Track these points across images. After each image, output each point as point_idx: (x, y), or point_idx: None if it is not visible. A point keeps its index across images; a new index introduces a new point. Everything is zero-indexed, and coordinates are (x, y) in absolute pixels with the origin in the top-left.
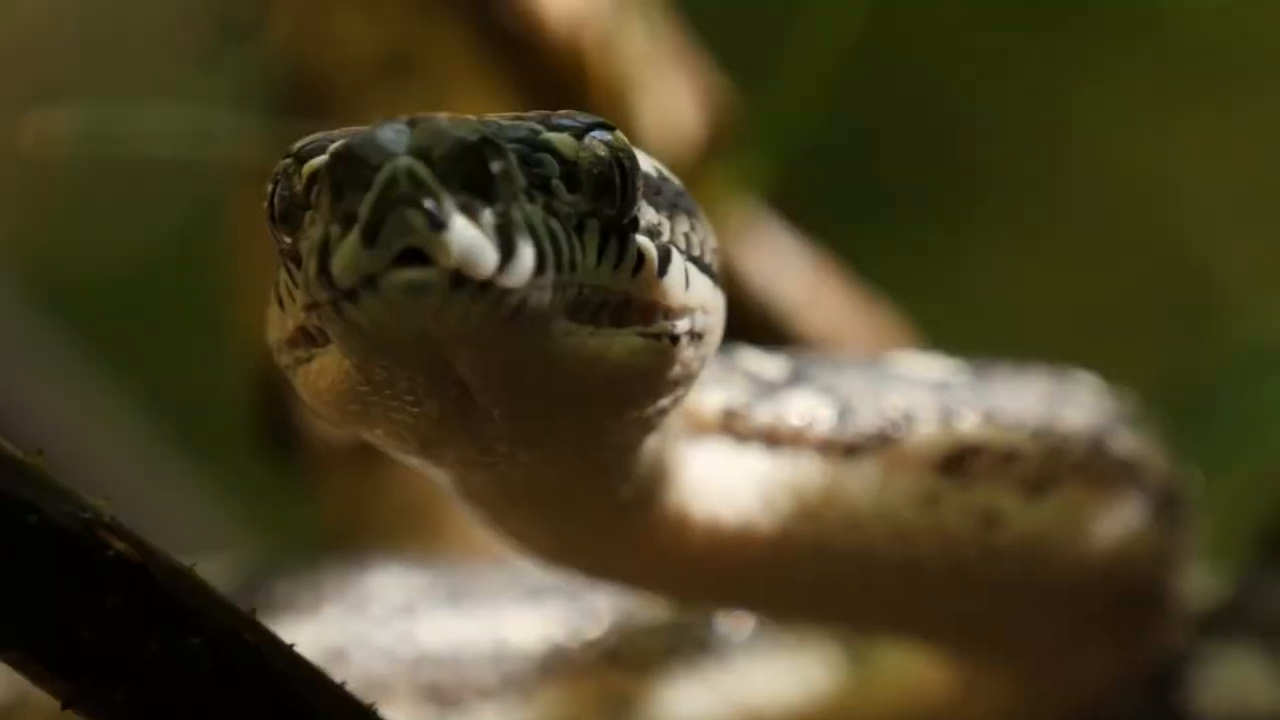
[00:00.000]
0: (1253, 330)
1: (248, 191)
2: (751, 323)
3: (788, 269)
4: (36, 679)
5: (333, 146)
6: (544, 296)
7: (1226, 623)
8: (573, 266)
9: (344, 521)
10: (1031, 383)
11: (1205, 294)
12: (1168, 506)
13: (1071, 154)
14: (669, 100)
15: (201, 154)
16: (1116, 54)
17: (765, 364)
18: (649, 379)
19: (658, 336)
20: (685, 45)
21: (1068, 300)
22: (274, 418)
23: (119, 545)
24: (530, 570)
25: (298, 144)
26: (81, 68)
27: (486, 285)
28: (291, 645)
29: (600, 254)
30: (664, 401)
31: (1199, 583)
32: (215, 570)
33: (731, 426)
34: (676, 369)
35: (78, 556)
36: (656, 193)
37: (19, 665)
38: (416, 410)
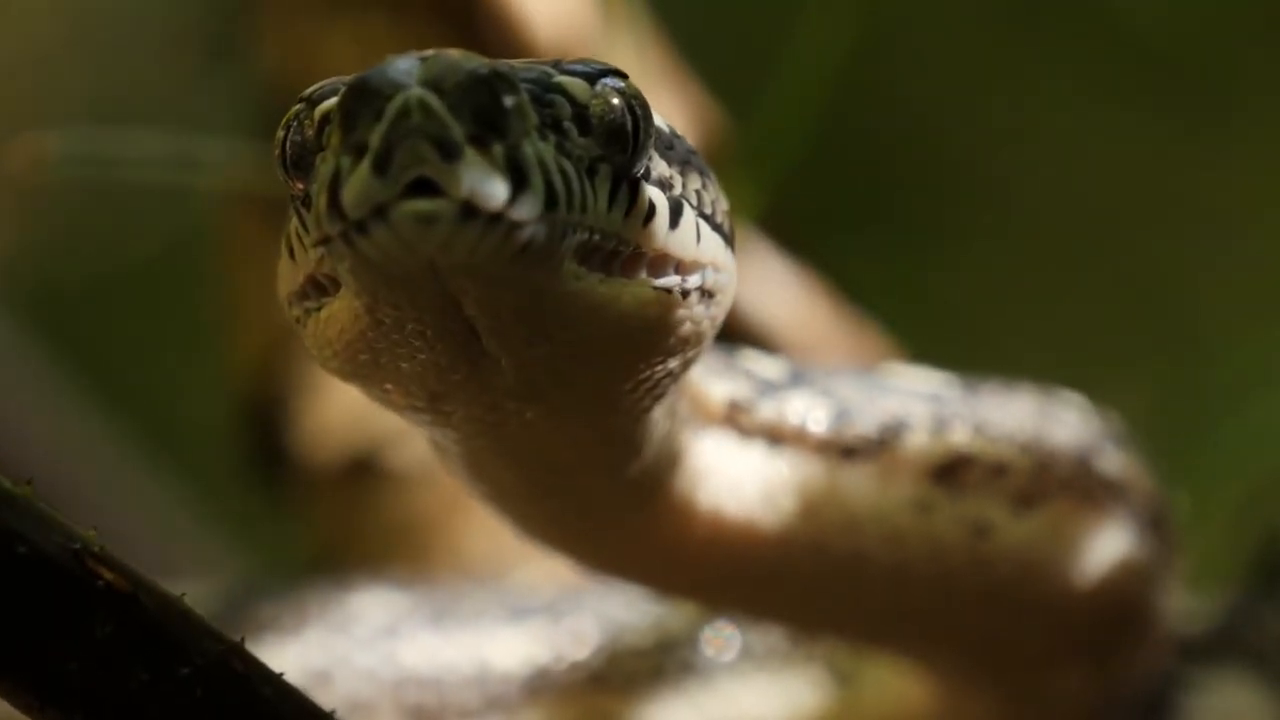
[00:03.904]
0: (1243, 344)
1: (238, 215)
2: (738, 342)
3: (777, 290)
4: (27, 709)
5: (343, 84)
6: (554, 235)
7: (1219, 648)
8: (583, 208)
9: (334, 543)
10: (1020, 399)
11: (1193, 307)
12: (1154, 527)
13: (1052, 164)
14: (658, 121)
15: (191, 179)
16: (1101, 67)
17: (765, 365)
18: (658, 332)
19: (668, 290)
20: (674, 66)
21: (1048, 313)
22: (265, 440)
23: (109, 575)
24: (514, 591)
25: (310, 89)
26: (75, 90)
27: (496, 218)
28: (281, 674)
29: (611, 200)
30: (673, 362)
31: (1192, 607)
32: (199, 594)
33: (736, 420)
34: (686, 325)
35: (67, 587)
36: (669, 148)
37: (9, 695)
38: (425, 357)
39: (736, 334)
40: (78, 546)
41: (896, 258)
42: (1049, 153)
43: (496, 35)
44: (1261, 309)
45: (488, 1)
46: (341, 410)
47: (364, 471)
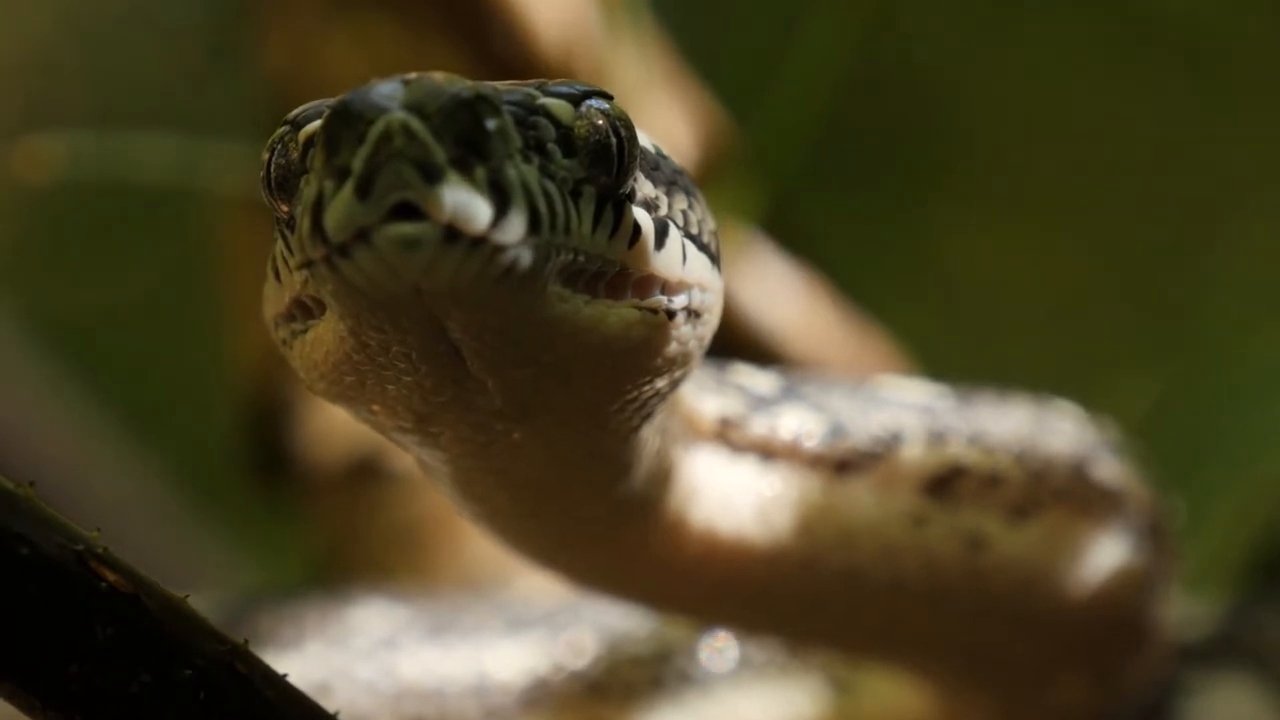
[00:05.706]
0: (1250, 345)
1: (239, 220)
2: (742, 346)
3: (780, 294)
4: (29, 711)
5: (328, 107)
6: (538, 257)
7: (1220, 651)
8: (567, 230)
9: (337, 546)
10: (1014, 409)
11: (1202, 307)
12: (1151, 534)
13: (1056, 158)
14: (662, 125)
15: (193, 182)
16: (1114, 55)
17: (757, 379)
18: (644, 354)
19: (654, 311)
20: (678, 70)
21: (1052, 313)
22: (268, 444)
23: (111, 577)
24: (513, 602)
25: (294, 111)
26: (75, 90)
27: (479, 241)
28: (284, 676)
29: (596, 221)
30: (660, 383)
31: (1192, 611)
32: (198, 605)
33: (727, 436)
34: (673, 346)
35: (70, 588)
36: (654, 168)
37: (11, 697)
38: (410, 379)
39: (740, 339)
40: (80, 548)
41: (897, 253)
42: (1055, 145)
43: (500, 38)
44: (1271, 310)
45: (492, 5)
46: (344, 413)
47: (367, 474)
